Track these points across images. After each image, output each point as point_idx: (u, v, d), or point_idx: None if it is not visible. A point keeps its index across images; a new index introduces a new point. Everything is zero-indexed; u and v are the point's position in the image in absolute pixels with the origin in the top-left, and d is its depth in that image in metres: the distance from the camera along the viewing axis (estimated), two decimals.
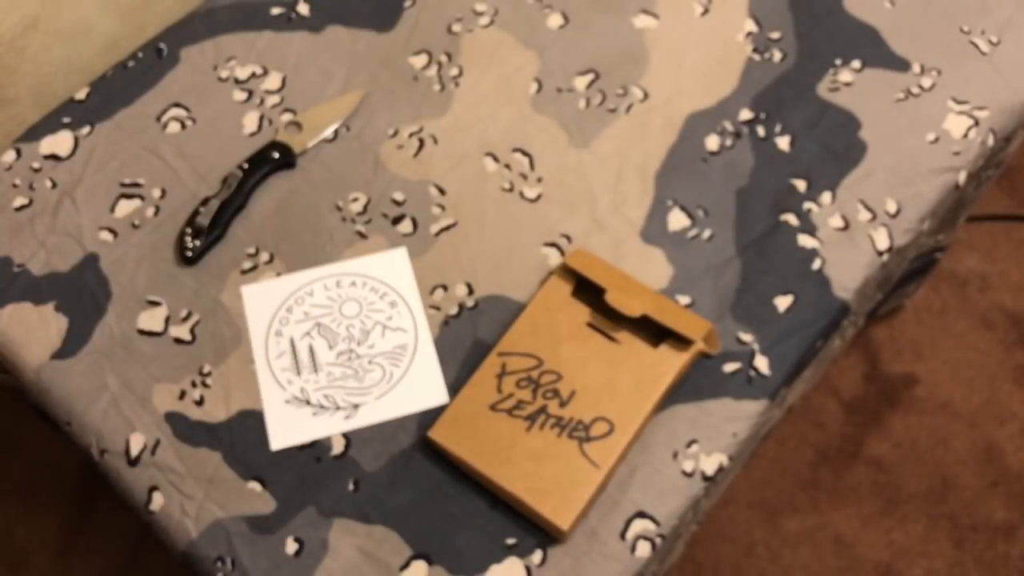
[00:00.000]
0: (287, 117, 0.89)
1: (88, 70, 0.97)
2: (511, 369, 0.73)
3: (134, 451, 0.74)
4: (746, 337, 0.77)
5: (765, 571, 1.28)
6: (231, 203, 0.83)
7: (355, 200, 0.85)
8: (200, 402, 0.76)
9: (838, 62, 0.90)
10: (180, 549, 0.71)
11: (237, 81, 0.91)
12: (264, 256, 0.82)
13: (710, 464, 0.72)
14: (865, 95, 0.88)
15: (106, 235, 0.83)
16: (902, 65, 0.90)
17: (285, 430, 0.74)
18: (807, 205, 0.83)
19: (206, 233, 0.82)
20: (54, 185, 0.86)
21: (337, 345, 0.78)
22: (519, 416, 0.72)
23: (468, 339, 0.78)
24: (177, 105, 0.90)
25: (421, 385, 0.76)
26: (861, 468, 1.34)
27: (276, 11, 0.95)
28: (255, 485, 0.72)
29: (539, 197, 0.84)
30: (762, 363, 0.76)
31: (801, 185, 0.84)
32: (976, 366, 1.41)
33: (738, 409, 0.74)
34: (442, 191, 0.85)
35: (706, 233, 0.82)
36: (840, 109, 0.87)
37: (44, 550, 1.31)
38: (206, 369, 0.77)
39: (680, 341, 0.73)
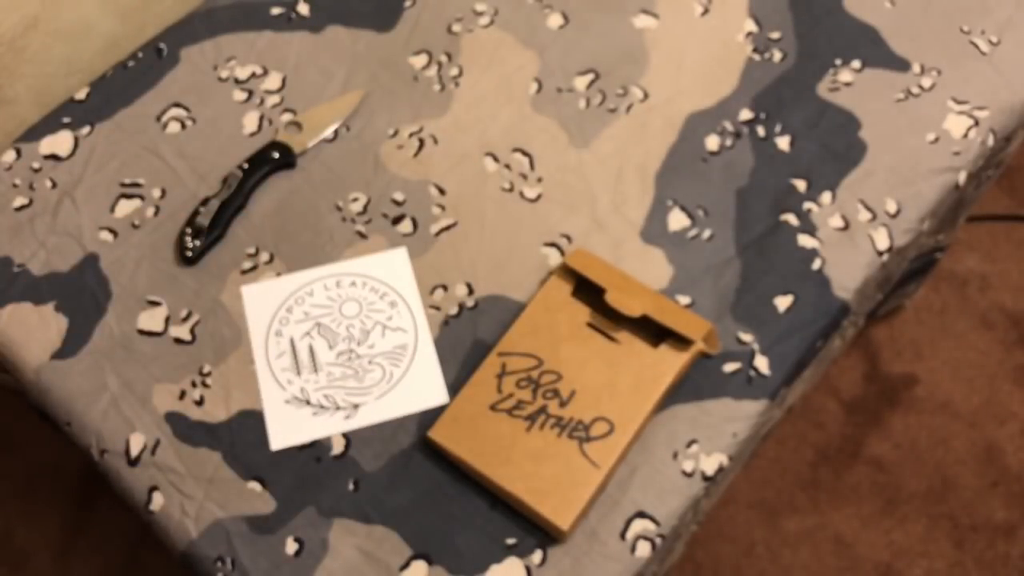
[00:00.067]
0: (287, 117, 0.89)
1: (88, 70, 0.97)
2: (511, 369, 0.73)
3: (134, 451, 0.74)
4: (746, 337, 0.77)
5: (765, 571, 1.28)
6: (231, 203, 0.83)
7: (355, 200, 0.85)
8: (200, 402, 0.76)
9: (838, 62, 0.90)
10: (180, 549, 0.71)
11: (237, 81, 0.91)
12: (264, 256, 0.82)
13: (710, 464, 0.72)
14: (865, 95, 0.88)
15: (106, 235, 0.83)
16: (902, 65, 0.90)
17: (285, 430, 0.74)
18: (807, 205, 0.83)
19: (206, 233, 0.82)
20: (54, 185, 0.86)
21: (337, 345, 0.78)
22: (519, 416, 0.72)
23: (468, 339, 0.78)
24: (177, 105, 0.90)
25: (421, 385, 0.76)
26: (861, 468, 1.34)
27: (276, 11, 0.95)
28: (255, 485, 0.72)
29: (539, 197, 0.84)
30: (762, 363, 0.76)
31: (801, 185, 0.84)
32: (976, 366, 1.41)
33: (738, 409, 0.74)
34: (442, 191, 0.85)
35: (706, 233, 0.82)
36: (840, 109, 0.87)
37: (44, 550, 1.31)
38: (206, 369, 0.77)
39: (680, 341, 0.73)
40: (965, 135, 0.85)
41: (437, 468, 0.73)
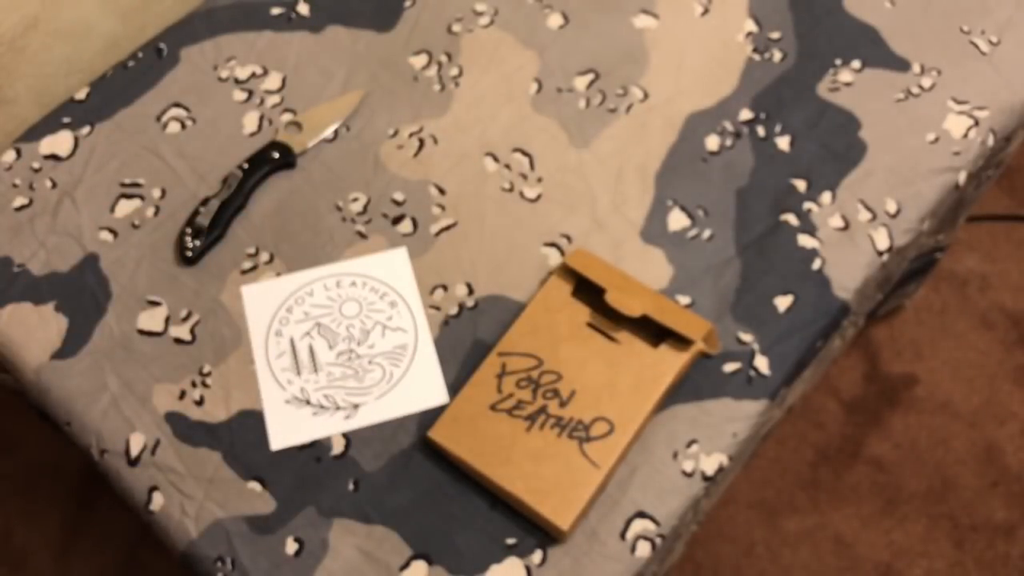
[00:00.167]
0: (287, 117, 0.89)
1: (88, 70, 0.97)
2: (511, 369, 0.73)
3: (134, 451, 0.74)
4: (746, 337, 0.77)
5: (765, 571, 1.28)
6: (231, 203, 0.83)
7: (355, 200, 0.85)
8: (200, 402, 0.76)
9: (838, 62, 0.90)
10: (180, 549, 0.71)
11: (237, 81, 0.91)
12: (264, 256, 0.82)
13: (710, 464, 0.72)
14: (865, 95, 0.88)
15: (106, 235, 0.83)
16: (902, 65, 0.90)
17: (285, 430, 0.74)
18: (807, 205, 0.83)
19: (206, 233, 0.82)
20: (54, 185, 0.86)
21: (337, 345, 0.78)
22: (519, 416, 0.72)
23: (468, 339, 0.78)
24: (177, 105, 0.90)
25: (421, 385, 0.76)
26: (861, 468, 1.34)
27: (276, 11, 0.95)
28: (255, 485, 0.72)
29: (539, 197, 0.84)
30: (762, 363, 0.76)
31: (801, 185, 0.84)
32: (976, 366, 1.41)
33: (738, 409, 0.74)
34: (442, 191, 0.85)
35: (706, 233, 0.82)
36: (840, 109, 0.87)
37: (44, 550, 1.31)
38: (206, 369, 0.77)
39: (680, 341, 0.73)
40: (965, 135, 0.85)
41: (437, 468, 0.73)
